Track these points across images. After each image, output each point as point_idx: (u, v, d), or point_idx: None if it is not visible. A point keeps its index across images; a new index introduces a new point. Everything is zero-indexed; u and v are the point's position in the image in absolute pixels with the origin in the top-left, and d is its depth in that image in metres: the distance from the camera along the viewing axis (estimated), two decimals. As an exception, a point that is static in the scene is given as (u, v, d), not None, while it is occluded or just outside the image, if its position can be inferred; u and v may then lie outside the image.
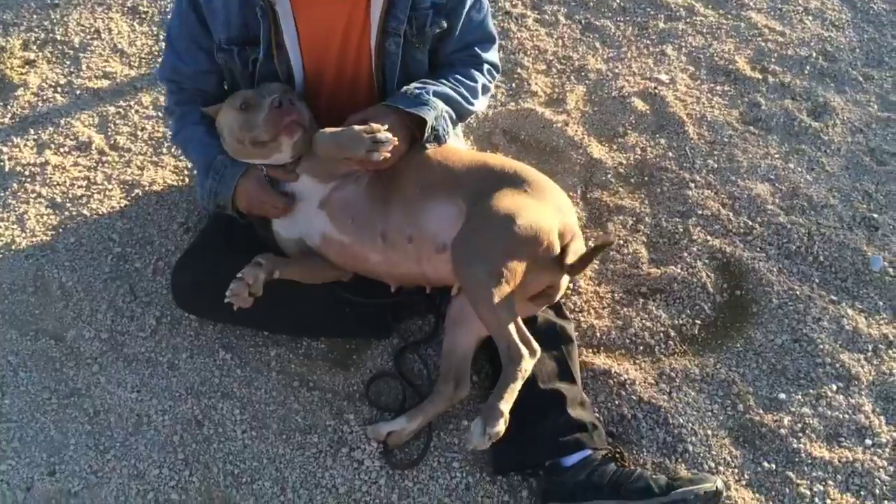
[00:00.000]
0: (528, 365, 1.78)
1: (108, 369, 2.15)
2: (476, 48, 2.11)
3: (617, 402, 2.11)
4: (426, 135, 1.92)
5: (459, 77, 2.07)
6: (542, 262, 1.81)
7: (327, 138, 1.85)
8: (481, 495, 1.95)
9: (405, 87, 1.97)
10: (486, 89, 2.14)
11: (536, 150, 2.84)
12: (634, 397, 2.12)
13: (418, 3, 1.96)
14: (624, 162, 2.79)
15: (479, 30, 2.11)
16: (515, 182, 1.90)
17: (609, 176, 2.74)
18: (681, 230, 2.56)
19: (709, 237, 2.53)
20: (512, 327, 1.77)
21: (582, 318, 2.31)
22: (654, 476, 1.85)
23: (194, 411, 2.07)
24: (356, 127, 1.82)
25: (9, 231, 2.45)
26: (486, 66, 2.14)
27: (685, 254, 2.48)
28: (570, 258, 1.83)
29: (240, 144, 1.93)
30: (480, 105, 2.13)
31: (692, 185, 2.70)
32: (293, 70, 2.00)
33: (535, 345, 1.82)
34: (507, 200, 1.84)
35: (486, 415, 1.70)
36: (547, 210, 1.86)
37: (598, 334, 2.27)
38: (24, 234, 2.44)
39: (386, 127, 1.82)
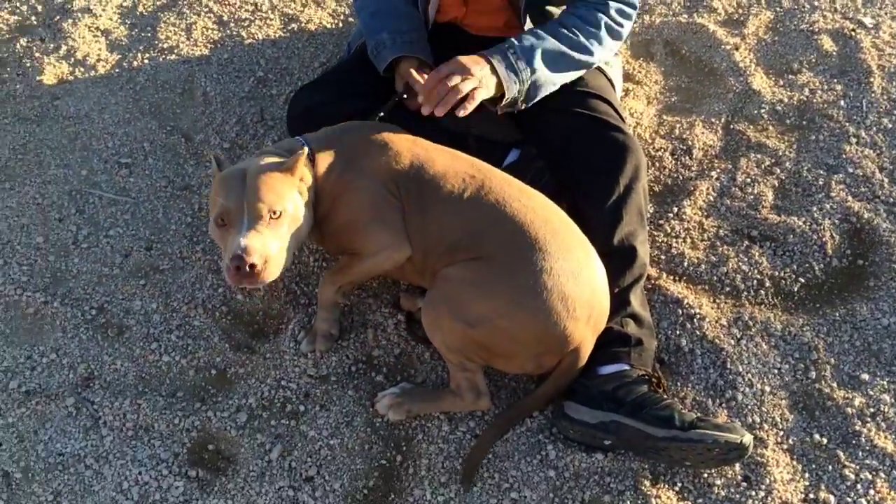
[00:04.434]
0: (463, 408, 1.85)
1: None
2: None
3: (678, 332, 2.02)
4: (503, 103, 1.95)
5: (577, 26, 2.00)
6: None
7: None
8: (508, 378, 1.96)
9: (515, 39, 1.96)
10: (612, 31, 2.03)
11: (694, 69, 2.67)
12: (699, 333, 2.01)
13: None
14: (785, 100, 2.56)
15: None
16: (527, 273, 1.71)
17: (762, 111, 2.53)
18: (820, 183, 2.33)
19: (850, 198, 2.29)
20: (466, 372, 1.81)
21: (675, 244, 2.20)
22: (683, 410, 1.77)
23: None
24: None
25: (176, 36, 2.68)
26: (613, 7, 2.02)
27: (815, 208, 2.27)
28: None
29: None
30: (604, 53, 2.05)
31: (854, 140, 2.44)
32: None
33: (485, 396, 1.83)
34: (495, 301, 1.71)
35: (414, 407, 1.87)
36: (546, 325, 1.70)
37: (685, 263, 2.16)
38: (187, 42, 2.66)
39: (468, 79, 1.87)
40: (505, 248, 1.75)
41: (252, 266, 1.64)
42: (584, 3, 2.05)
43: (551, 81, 2.00)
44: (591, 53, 2.02)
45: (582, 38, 2.01)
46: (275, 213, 1.69)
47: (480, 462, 1.80)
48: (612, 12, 2.04)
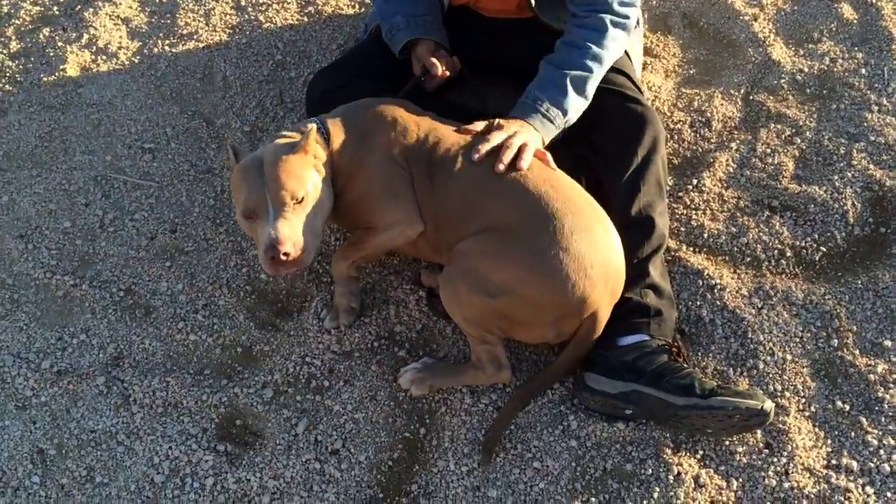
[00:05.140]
0: (485, 381, 1.87)
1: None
2: None
3: (698, 304, 2.02)
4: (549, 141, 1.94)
5: (587, 38, 1.96)
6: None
7: None
8: (529, 350, 1.98)
9: (538, 89, 1.94)
10: (619, 25, 1.99)
11: (712, 41, 2.66)
12: (719, 303, 2.02)
13: None
14: (805, 69, 2.54)
15: None
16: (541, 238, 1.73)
17: (782, 81, 2.51)
18: (842, 152, 2.31)
19: (871, 166, 2.27)
20: (486, 345, 1.83)
21: (694, 216, 2.20)
22: (703, 378, 1.78)
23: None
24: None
25: (195, 22, 2.71)
26: (615, 0, 1.98)
27: (836, 177, 2.25)
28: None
29: None
30: (619, 48, 2.01)
31: (875, 108, 2.41)
32: None
33: (507, 368, 1.86)
34: (514, 269, 1.73)
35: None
36: (558, 297, 1.72)
37: (705, 234, 2.16)
38: (206, 28, 2.69)
39: (514, 136, 1.85)
40: (518, 218, 1.77)
41: (286, 254, 1.67)
42: (582, 5, 2.00)
43: (583, 102, 1.97)
44: (602, 60, 1.97)
45: (595, 49, 1.96)
46: (297, 197, 1.73)
47: (502, 434, 1.82)
48: (615, 6, 1.99)
